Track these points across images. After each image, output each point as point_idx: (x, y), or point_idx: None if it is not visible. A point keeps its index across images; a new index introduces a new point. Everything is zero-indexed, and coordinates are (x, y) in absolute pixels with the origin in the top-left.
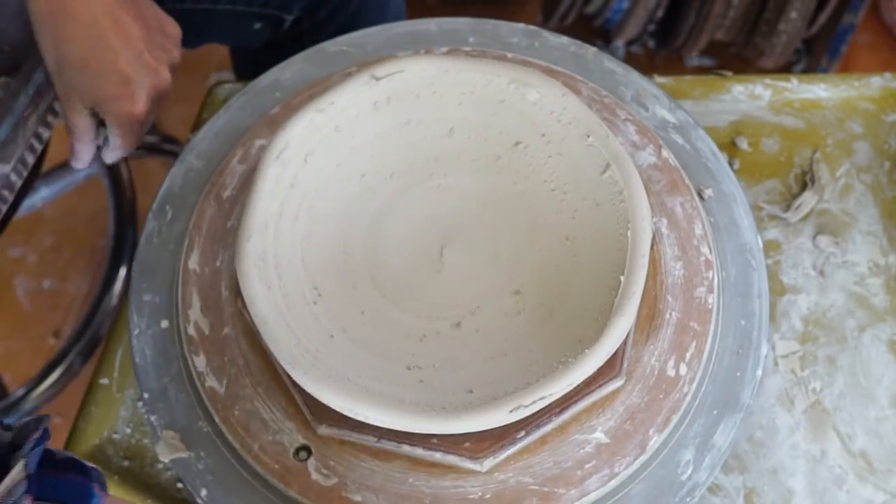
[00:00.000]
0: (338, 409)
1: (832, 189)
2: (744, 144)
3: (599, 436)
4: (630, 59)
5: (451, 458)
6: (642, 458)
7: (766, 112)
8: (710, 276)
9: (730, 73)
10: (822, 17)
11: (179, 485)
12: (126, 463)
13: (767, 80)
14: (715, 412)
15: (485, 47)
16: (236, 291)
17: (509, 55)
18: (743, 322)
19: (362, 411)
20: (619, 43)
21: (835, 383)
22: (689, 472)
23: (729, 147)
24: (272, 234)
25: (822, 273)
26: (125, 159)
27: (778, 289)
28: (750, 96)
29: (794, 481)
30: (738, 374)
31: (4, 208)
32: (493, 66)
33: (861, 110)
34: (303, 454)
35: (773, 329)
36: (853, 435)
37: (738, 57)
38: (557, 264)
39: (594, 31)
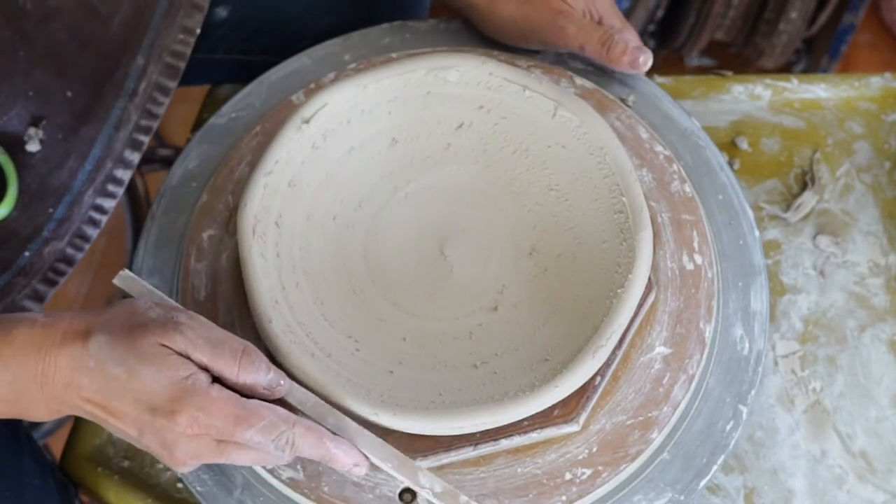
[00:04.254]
0: (437, 433)
1: (832, 189)
2: (744, 144)
3: (661, 350)
4: None
5: (549, 431)
6: (706, 352)
7: (766, 112)
8: (675, 168)
9: (730, 73)
10: (822, 17)
11: (179, 485)
12: (126, 463)
13: (767, 80)
14: (740, 283)
15: (362, 59)
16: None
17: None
18: (720, 196)
19: (457, 423)
20: None
21: (835, 383)
22: (747, 344)
23: (729, 147)
24: (282, 302)
25: (822, 273)
26: (140, 173)
27: (778, 289)
28: (750, 96)
29: (794, 481)
30: (741, 241)
31: (61, 280)
32: (406, 65)
33: (861, 110)
34: (407, 496)
35: (773, 329)
36: (853, 435)
37: (738, 57)
38: (557, 221)
39: None
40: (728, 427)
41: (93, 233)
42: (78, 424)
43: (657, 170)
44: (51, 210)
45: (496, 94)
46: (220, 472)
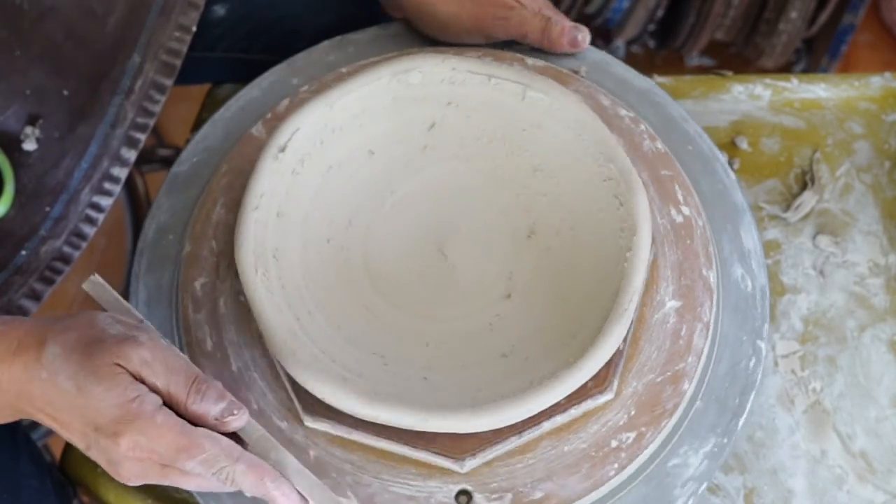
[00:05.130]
0: (487, 429)
1: (832, 189)
2: (744, 144)
3: (672, 304)
4: (630, 59)
5: (587, 404)
6: (714, 297)
7: (766, 112)
8: (642, 128)
9: (730, 73)
10: (822, 17)
11: None
12: None
13: (767, 80)
14: (729, 226)
15: (311, 80)
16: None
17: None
18: (690, 147)
19: (506, 415)
20: (620, 43)
21: (835, 383)
22: (749, 282)
23: (729, 147)
24: (300, 333)
25: (822, 273)
26: (140, 173)
27: (778, 289)
28: (750, 96)
29: (794, 481)
30: (720, 186)
31: (59, 279)
32: (367, 75)
33: (861, 110)
34: (463, 499)
35: (773, 329)
36: (853, 435)
37: (738, 57)
38: (549, 199)
39: (594, 31)
40: (751, 364)
41: (90, 231)
42: None
43: (626, 133)
44: (47, 209)
45: (462, 88)
46: None
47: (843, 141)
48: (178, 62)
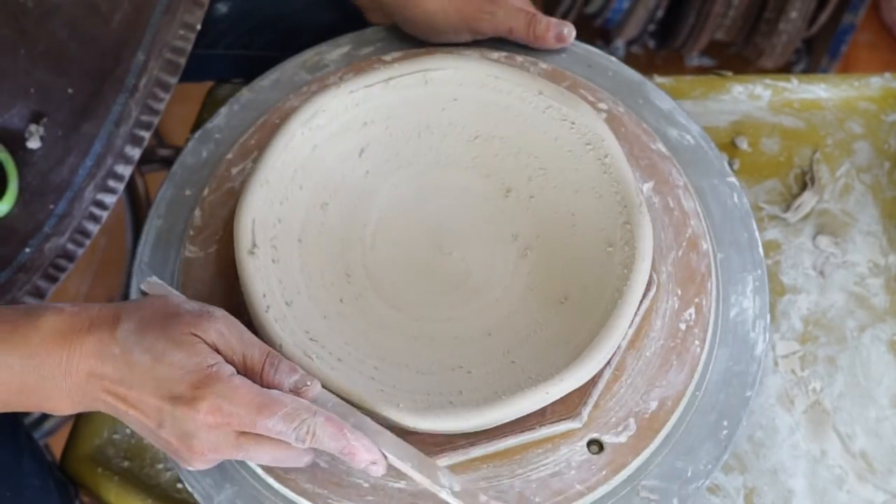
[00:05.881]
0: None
1: (832, 189)
2: (744, 144)
3: (648, 185)
4: (630, 59)
5: (644, 306)
6: (674, 165)
7: (766, 112)
8: (520, 59)
9: (730, 73)
10: (823, 17)
11: (179, 485)
12: (126, 463)
13: (767, 80)
14: (639, 100)
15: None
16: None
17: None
18: (564, 55)
19: (590, 369)
20: (620, 43)
21: (835, 383)
22: (688, 136)
23: (729, 147)
24: (341, 368)
25: (822, 273)
26: (140, 173)
27: (778, 289)
28: (750, 96)
29: (794, 481)
30: (610, 73)
31: (62, 276)
32: (281, 138)
33: (861, 110)
34: (594, 448)
35: (773, 329)
36: (853, 435)
37: (738, 57)
38: (517, 158)
39: (594, 31)
40: (735, 199)
41: (93, 228)
42: (78, 424)
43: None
44: (51, 206)
45: (368, 104)
46: None
47: (842, 141)
48: (183, 60)
